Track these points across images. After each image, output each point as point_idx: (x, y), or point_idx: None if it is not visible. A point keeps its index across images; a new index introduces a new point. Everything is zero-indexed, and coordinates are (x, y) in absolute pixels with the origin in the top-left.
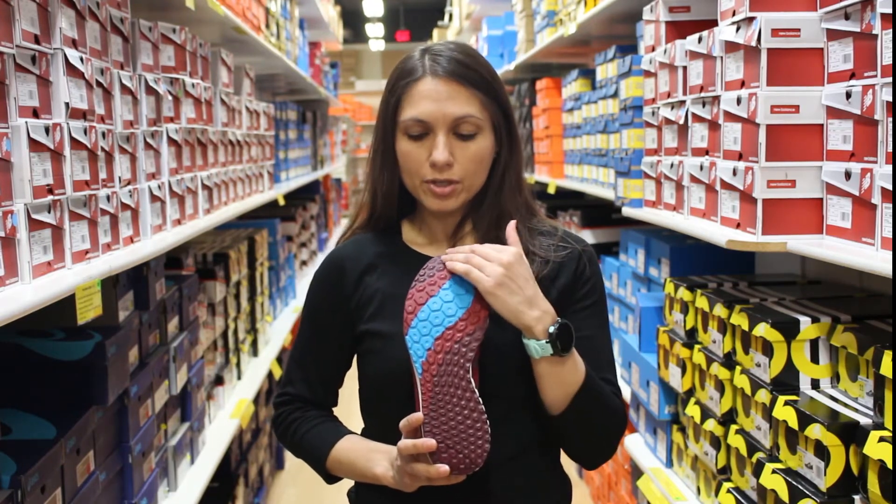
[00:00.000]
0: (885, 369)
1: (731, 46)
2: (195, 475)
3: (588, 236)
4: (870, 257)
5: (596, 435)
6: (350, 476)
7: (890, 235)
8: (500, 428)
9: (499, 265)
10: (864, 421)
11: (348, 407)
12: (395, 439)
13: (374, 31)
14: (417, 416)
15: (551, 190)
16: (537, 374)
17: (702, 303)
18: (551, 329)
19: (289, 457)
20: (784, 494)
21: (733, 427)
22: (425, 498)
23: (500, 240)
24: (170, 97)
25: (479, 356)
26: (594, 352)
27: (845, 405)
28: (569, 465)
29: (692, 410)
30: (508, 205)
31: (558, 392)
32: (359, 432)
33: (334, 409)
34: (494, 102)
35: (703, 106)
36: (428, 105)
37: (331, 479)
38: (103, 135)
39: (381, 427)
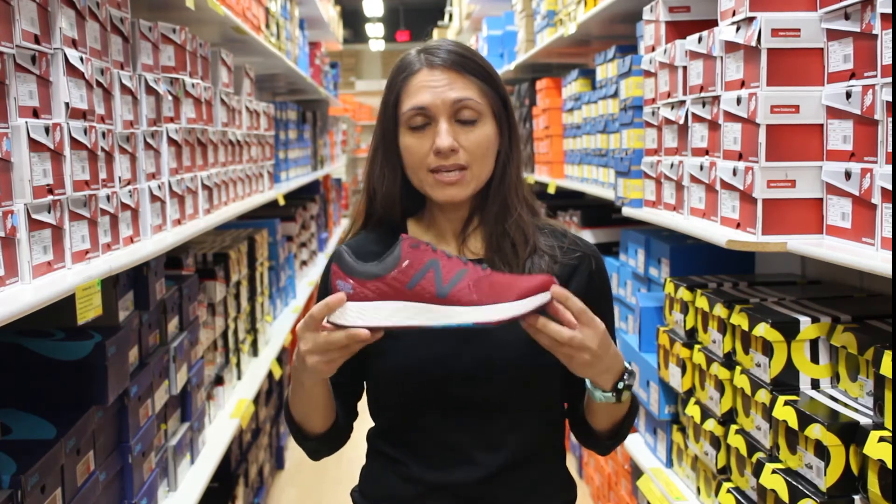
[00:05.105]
0: (885, 369)
1: (731, 46)
2: (195, 475)
3: (588, 236)
4: (870, 257)
5: (622, 437)
6: (297, 390)
7: (890, 235)
8: (509, 435)
9: (589, 355)
10: (864, 421)
11: None
12: (402, 438)
13: (374, 31)
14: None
15: (551, 190)
16: (592, 408)
17: (702, 303)
18: (620, 385)
19: (289, 457)
20: (784, 494)
21: (733, 427)
22: (430, 501)
23: (506, 233)
24: (170, 97)
25: (487, 368)
26: None
27: (845, 405)
28: (569, 464)
29: (692, 410)
30: (511, 199)
31: (607, 421)
32: (364, 433)
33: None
34: (494, 92)
35: (703, 106)
36: (427, 94)
37: (303, 440)
38: (103, 135)
39: (388, 426)
